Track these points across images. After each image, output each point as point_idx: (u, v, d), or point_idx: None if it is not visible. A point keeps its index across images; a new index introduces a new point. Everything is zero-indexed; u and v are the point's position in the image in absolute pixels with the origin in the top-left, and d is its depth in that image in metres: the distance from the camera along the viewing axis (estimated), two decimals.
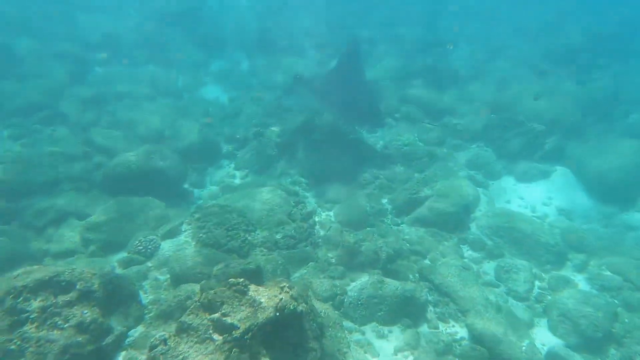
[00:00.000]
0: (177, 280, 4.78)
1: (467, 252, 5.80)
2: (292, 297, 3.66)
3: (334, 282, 4.93)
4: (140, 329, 4.16)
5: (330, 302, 4.67)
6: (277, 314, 3.53)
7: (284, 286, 3.79)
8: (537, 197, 6.99)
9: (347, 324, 4.45)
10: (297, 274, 5.23)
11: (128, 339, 3.98)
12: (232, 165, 8.11)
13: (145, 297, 4.57)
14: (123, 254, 5.39)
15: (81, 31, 12.75)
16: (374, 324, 4.50)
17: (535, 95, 8.39)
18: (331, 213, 6.66)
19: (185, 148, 7.81)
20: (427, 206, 6.35)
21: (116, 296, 4.11)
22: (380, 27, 16.75)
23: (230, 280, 3.79)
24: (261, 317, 3.52)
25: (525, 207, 6.82)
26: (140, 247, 5.29)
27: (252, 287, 3.79)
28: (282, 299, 3.62)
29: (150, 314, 4.35)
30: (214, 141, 8.38)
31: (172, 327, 4.16)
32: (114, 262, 5.18)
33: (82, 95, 9.01)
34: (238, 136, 8.32)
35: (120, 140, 7.40)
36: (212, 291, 3.74)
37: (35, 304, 3.42)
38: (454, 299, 4.72)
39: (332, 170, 7.52)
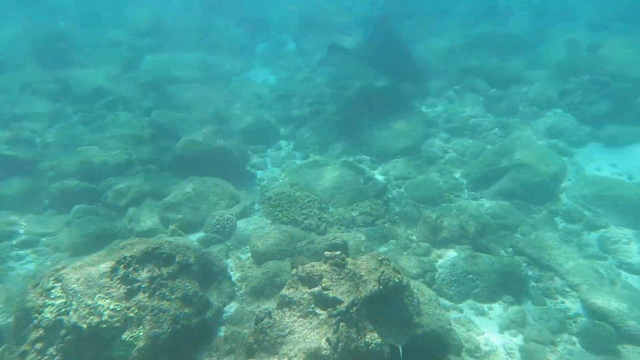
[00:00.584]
0: (260, 257, 4.77)
1: (562, 225, 5.41)
2: (394, 269, 3.52)
3: (421, 259, 4.74)
4: (234, 304, 4.18)
5: (421, 279, 4.49)
6: (381, 287, 3.40)
7: (383, 259, 3.65)
8: (632, 163, 6.37)
9: (443, 301, 4.26)
10: (378, 251, 5.09)
11: (225, 314, 4.01)
12: (291, 146, 8.03)
13: (233, 275, 4.59)
14: (201, 234, 5.47)
15: (129, 19, 13.03)
16: (470, 300, 4.29)
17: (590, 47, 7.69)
18: (402, 190, 6.44)
19: (242, 130, 7.81)
20: (509, 177, 5.98)
21: (208, 272, 4.14)
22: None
23: (326, 253, 3.70)
24: (364, 290, 3.40)
25: (620, 174, 6.25)
26: (219, 226, 5.33)
27: (350, 260, 3.68)
28: (383, 271, 3.48)
29: (241, 291, 4.38)
30: (270, 123, 8.31)
31: (266, 303, 4.18)
32: (195, 241, 5.26)
33: (139, 80, 9.21)
34: (294, 115, 8.20)
35: (181, 122, 7.47)
36: (309, 264, 3.67)
37: (144, 274, 3.49)
38: (559, 273, 4.41)
39: (395, 145, 7.27)
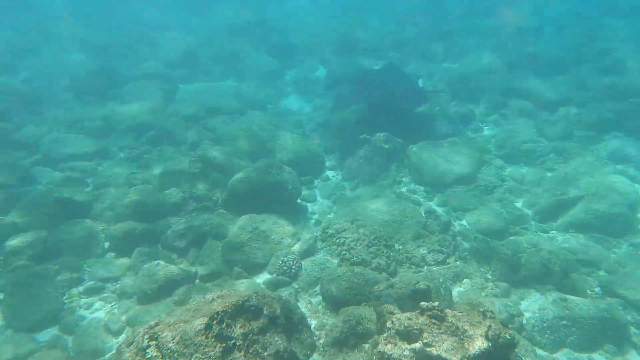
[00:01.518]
0: (335, 303, 4.68)
1: None
2: (502, 323, 3.40)
3: (506, 302, 4.59)
4: (317, 357, 4.09)
5: (510, 326, 4.34)
6: (490, 344, 3.27)
7: (485, 310, 3.53)
8: None
9: (538, 351, 4.09)
10: (454, 293, 4.96)
11: None
12: (339, 177, 8.02)
13: (309, 322, 4.51)
14: (265, 275, 5.42)
15: (159, 49, 13.40)
16: (566, 350, 4.11)
17: None
18: (464, 222, 6.33)
19: (288, 161, 7.83)
20: (582, 208, 5.83)
21: (290, 322, 4.07)
22: (462, 19, 16.21)
23: (422, 304, 3.60)
24: (471, 347, 3.28)
25: None
26: (285, 268, 5.28)
27: (449, 312, 3.57)
28: (491, 326, 3.36)
29: (321, 341, 4.28)
30: (316, 152, 8.35)
31: (352, 356, 4.07)
32: (262, 284, 5.21)
33: (179, 112, 9.36)
34: (339, 144, 8.20)
35: (230, 155, 7.52)
36: (404, 316, 3.57)
37: (237, 330, 3.44)
38: None
39: (450, 174, 7.19)
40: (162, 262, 5.21)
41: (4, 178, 6.76)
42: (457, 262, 5.21)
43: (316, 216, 7.08)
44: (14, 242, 5.49)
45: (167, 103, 10.11)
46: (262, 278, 5.40)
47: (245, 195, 6.43)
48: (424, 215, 6.18)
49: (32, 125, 8.30)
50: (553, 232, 5.89)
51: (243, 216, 6.11)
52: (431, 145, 7.68)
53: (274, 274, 5.35)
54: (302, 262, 5.45)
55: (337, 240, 5.59)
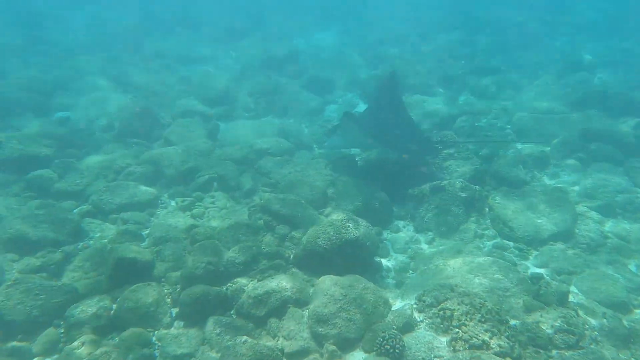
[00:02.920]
0: None
1: None
2: None
3: None
4: None
5: None
6: None
7: None
8: None
9: None
10: None
11: None
12: (411, 228, 7.58)
13: None
14: (361, 354, 4.90)
15: (194, 85, 13.39)
16: None
17: None
18: (574, 288, 5.80)
19: (354, 210, 7.43)
20: None
21: None
22: (504, 52, 16.28)
23: None
24: None
25: None
26: (387, 346, 4.75)
27: None
28: None
29: None
30: (383, 200, 7.91)
31: None
32: None
33: (230, 155, 9.09)
34: (410, 192, 7.81)
35: (293, 205, 7.15)
36: None
37: None
38: None
39: (544, 229, 6.72)
40: (249, 340, 4.73)
41: (55, 234, 6.41)
42: (592, 346, 4.66)
43: (393, 274, 6.62)
44: (76, 311, 5.06)
45: (213, 143, 9.91)
46: (358, 357, 4.88)
47: (323, 253, 6.01)
48: (529, 280, 5.67)
49: (77, 172, 8.04)
50: None
51: (325, 279, 5.65)
52: (516, 195, 7.28)
53: (373, 353, 4.82)
54: (404, 339, 4.94)
55: (442, 314, 5.08)
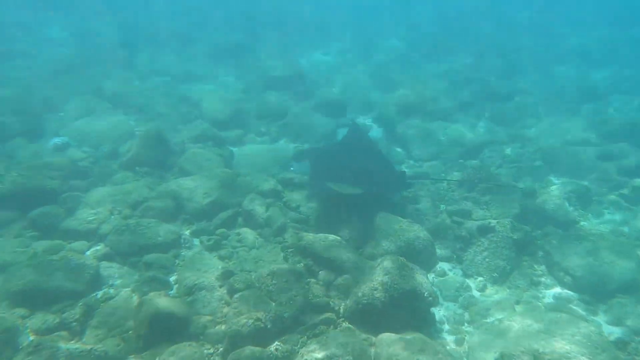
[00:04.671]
0: None
1: None
2: None
3: None
4: None
5: None
6: None
7: None
8: None
9: None
10: None
11: None
12: (459, 271, 7.32)
13: None
14: None
15: (201, 109, 12.97)
16: None
17: None
18: None
19: (397, 251, 7.12)
20: None
21: None
22: (518, 77, 16.60)
23: None
24: None
25: None
26: None
27: None
28: None
29: None
30: (425, 238, 7.63)
31: None
32: None
33: (253, 187, 8.64)
34: (459, 232, 7.58)
35: (336, 247, 6.76)
36: None
37: None
38: None
39: (611, 278, 6.52)
40: None
41: (72, 283, 5.84)
42: None
43: (447, 327, 6.31)
44: None
45: (233, 172, 9.44)
46: None
47: (381, 308, 5.65)
48: (613, 344, 5.40)
49: (87, 207, 7.49)
50: None
51: (386, 339, 5.28)
52: (573, 238, 7.13)
53: None
54: None
55: None
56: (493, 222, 7.43)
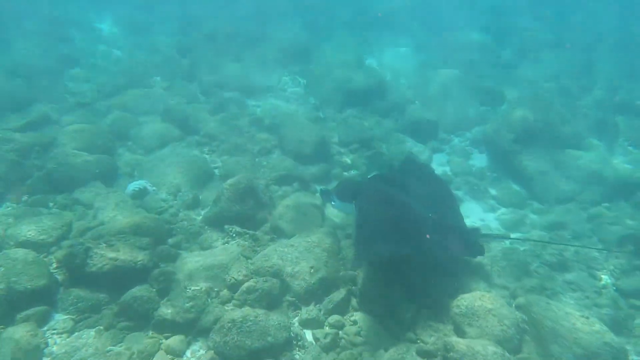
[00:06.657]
0: None
1: None
2: None
3: None
4: None
5: None
6: None
7: None
8: None
9: None
10: None
11: None
12: None
13: None
14: None
15: (280, 136, 11.92)
16: None
17: None
18: None
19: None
20: None
21: None
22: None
23: None
24: None
25: None
26: None
27: None
28: None
29: None
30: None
31: None
32: None
33: None
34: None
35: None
36: None
37: None
38: None
39: None
40: None
41: None
42: None
43: None
44: None
45: (334, 234, 8.35)
46: None
47: None
48: None
49: (180, 287, 6.66)
50: None
51: None
52: None
53: None
54: None
55: None
56: None
